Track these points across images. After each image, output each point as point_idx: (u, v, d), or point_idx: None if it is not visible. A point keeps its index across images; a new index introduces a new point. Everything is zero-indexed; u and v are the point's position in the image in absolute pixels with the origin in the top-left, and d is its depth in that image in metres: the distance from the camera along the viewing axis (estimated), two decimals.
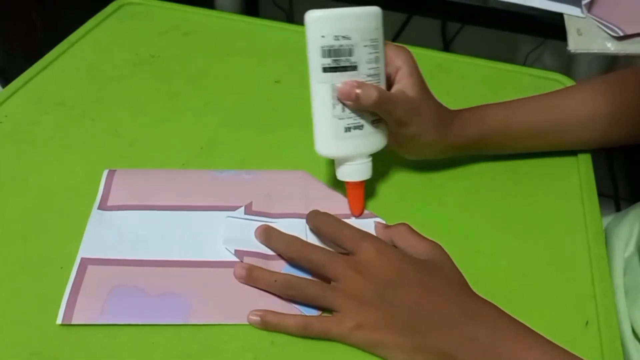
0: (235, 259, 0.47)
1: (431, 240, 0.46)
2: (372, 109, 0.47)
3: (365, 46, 0.46)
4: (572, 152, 0.59)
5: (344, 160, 0.50)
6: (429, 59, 0.72)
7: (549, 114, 0.56)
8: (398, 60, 0.49)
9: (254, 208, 0.50)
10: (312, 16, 0.46)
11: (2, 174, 0.54)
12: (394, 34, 1.47)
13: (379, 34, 0.47)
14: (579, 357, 0.39)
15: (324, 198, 0.52)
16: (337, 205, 0.51)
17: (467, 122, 0.53)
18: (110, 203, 0.51)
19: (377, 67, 0.47)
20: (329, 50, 0.46)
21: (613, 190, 1.32)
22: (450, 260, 0.45)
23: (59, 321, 0.42)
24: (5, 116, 0.60)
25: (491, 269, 0.49)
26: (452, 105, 0.54)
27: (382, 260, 0.43)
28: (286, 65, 0.69)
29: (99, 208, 0.50)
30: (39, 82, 0.65)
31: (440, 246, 0.46)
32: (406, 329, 0.41)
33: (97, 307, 0.43)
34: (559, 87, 0.69)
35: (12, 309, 0.44)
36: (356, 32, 0.46)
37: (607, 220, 0.60)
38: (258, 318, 0.43)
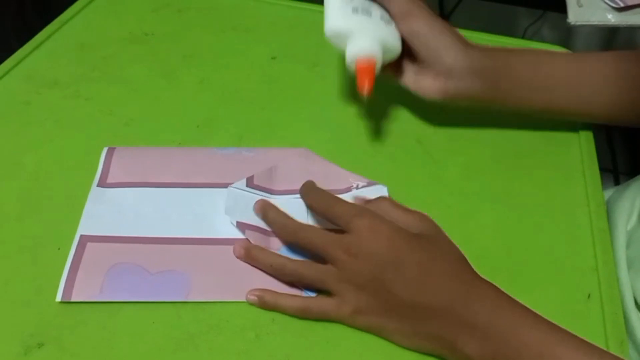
0: (235, 236, 0.46)
1: (417, 211, 0.44)
2: None
3: None
4: (573, 127, 0.59)
5: (352, 35, 0.50)
6: None
7: (575, 71, 0.54)
8: None
9: (255, 182, 0.50)
10: None
11: None
12: None
13: None
14: (581, 338, 0.38)
15: (326, 174, 0.51)
16: (339, 180, 0.51)
17: (493, 49, 0.53)
18: (109, 180, 0.50)
19: None
20: None
21: (612, 165, 1.32)
22: (442, 230, 0.44)
23: (58, 298, 0.42)
24: None
25: (492, 243, 0.48)
26: None
27: (376, 239, 0.41)
28: (282, 41, 0.68)
29: (99, 185, 0.50)
30: (31, 62, 0.64)
31: (427, 216, 0.44)
32: (405, 315, 0.40)
33: (97, 285, 0.43)
34: None
35: (11, 291, 0.43)
36: None
37: (607, 194, 0.60)
38: (255, 298, 0.43)
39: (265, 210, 0.47)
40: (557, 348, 0.37)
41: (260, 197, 0.48)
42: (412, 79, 0.54)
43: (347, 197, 0.48)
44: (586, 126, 0.59)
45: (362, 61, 0.50)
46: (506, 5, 0.95)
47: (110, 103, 0.59)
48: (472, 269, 0.42)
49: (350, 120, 0.58)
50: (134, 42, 0.67)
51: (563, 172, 0.55)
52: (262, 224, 0.47)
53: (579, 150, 0.57)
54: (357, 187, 0.50)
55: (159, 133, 0.56)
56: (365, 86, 0.50)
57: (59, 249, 0.45)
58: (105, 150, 0.53)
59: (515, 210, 0.51)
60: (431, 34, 0.51)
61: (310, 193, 0.47)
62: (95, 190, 0.49)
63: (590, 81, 0.54)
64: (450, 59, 0.51)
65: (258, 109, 0.59)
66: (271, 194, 0.49)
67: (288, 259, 0.44)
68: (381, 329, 0.41)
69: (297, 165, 0.52)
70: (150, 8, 0.72)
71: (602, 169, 0.55)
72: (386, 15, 0.52)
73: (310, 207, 0.47)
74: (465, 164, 0.55)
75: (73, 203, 0.49)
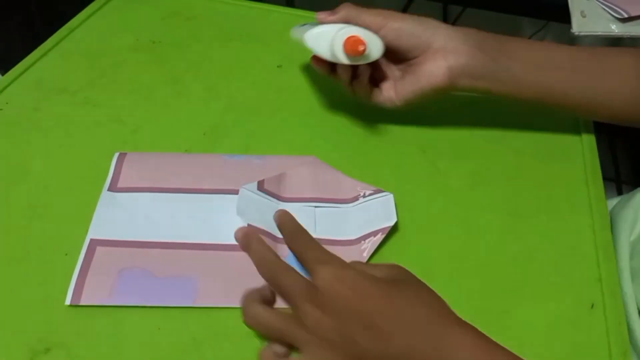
0: None
1: (389, 263, 0.42)
2: None
3: None
4: (577, 135, 0.59)
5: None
6: None
7: (591, 62, 0.52)
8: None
9: (266, 186, 0.51)
10: None
11: (5, 161, 0.54)
12: None
13: None
14: None
15: (334, 183, 0.52)
16: (346, 190, 0.51)
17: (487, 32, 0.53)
18: (120, 185, 0.51)
19: None
20: None
21: (615, 174, 1.32)
22: (416, 276, 0.41)
23: (67, 302, 0.43)
24: (7, 103, 0.60)
25: (497, 253, 0.49)
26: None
27: (342, 288, 0.38)
28: (288, 49, 0.68)
29: (109, 189, 0.50)
30: (39, 68, 0.64)
31: (400, 265, 0.42)
32: None
33: (106, 289, 0.43)
34: None
35: (18, 296, 0.44)
36: None
37: (610, 203, 0.60)
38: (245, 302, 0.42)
39: (249, 240, 0.45)
40: None
41: (272, 203, 0.49)
42: (406, 83, 0.53)
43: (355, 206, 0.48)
44: (589, 136, 0.59)
45: (350, 38, 0.49)
46: (509, 15, 0.95)
47: (118, 110, 0.60)
48: (451, 313, 0.39)
49: (355, 128, 0.59)
50: (141, 50, 0.68)
51: (566, 182, 0.55)
52: (272, 230, 0.47)
53: (582, 161, 0.57)
54: (363, 196, 0.50)
55: (166, 140, 0.57)
56: (358, 47, 0.49)
57: (66, 254, 0.46)
58: (116, 155, 0.53)
59: (519, 220, 0.51)
60: (416, 22, 0.52)
61: (288, 234, 0.45)
62: (105, 195, 0.50)
63: (611, 71, 0.52)
64: (443, 35, 0.51)
65: (264, 117, 0.60)
66: (280, 200, 0.50)
67: (263, 309, 0.40)
68: None
69: (306, 173, 0.53)
70: (159, 16, 0.73)
71: (605, 179, 0.55)
72: None
73: (289, 248, 0.45)
74: (469, 174, 0.55)
75: (81, 209, 0.49)
